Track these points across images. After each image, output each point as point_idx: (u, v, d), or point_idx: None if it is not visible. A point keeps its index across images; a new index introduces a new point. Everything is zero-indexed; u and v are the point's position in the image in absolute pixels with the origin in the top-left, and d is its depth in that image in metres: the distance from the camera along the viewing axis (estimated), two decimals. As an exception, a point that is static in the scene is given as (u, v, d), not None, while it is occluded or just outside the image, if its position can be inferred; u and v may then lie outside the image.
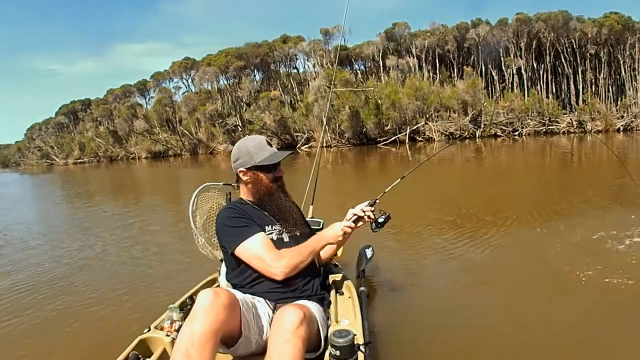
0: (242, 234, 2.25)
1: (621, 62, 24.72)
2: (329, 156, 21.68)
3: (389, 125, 26.81)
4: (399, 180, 2.72)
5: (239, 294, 2.06)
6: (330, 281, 2.76)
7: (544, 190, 8.33)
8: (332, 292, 2.58)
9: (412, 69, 29.33)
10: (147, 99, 37.68)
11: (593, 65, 25.85)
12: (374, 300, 3.36)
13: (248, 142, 2.38)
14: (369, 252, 3.59)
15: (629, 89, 24.46)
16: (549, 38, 26.06)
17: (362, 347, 1.94)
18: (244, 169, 2.34)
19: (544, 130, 24.53)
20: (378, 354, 2.58)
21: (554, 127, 24.43)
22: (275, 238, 2.32)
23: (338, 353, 1.85)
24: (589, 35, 25.23)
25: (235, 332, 1.96)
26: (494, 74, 27.86)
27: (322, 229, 3.13)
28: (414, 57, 29.60)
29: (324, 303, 2.39)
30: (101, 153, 36.87)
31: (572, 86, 26.07)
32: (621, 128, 23.09)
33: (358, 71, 32.37)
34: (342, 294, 2.63)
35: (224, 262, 2.55)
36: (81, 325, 3.39)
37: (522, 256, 4.33)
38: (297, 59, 33.63)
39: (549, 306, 3.17)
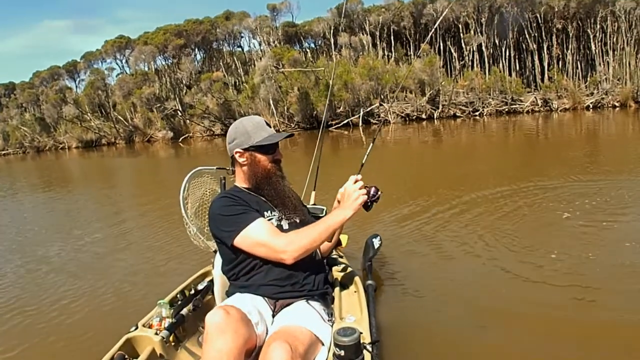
0: (240, 221, 2.12)
1: (591, 36, 22.92)
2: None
3: (341, 108, 24.59)
4: (371, 145, 2.36)
5: (243, 307, 1.93)
6: (334, 274, 2.62)
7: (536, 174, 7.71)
8: (336, 286, 2.46)
9: (366, 47, 27.11)
10: (77, 82, 34.03)
11: (560, 40, 24.03)
12: (381, 295, 3.25)
13: (245, 121, 2.30)
14: (376, 242, 3.44)
15: (600, 64, 22.64)
16: (512, 13, 24.17)
17: (368, 346, 1.84)
18: (241, 150, 2.24)
19: (507, 109, 22.70)
20: (386, 353, 2.43)
21: (517, 106, 22.59)
22: (274, 224, 2.20)
23: (342, 353, 1.73)
24: (556, 9, 23.42)
25: (252, 345, 1.88)
26: (453, 51, 25.95)
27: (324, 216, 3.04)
28: (367, 34, 27.35)
29: (327, 298, 2.29)
30: (27, 143, 33.16)
31: (536, 63, 24.23)
32: (590, 105, 21.36)
33: (307, 50, 30.03)
34: (347, 288, 2.52)
35: (218, 254, 2.41)
36: (62, 326, 3.30)
37: (540, 249, 4.00)
38: (241, 36, 30.86)
39: (567, 307, 2.98)
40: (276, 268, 2.13)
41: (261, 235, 2.09)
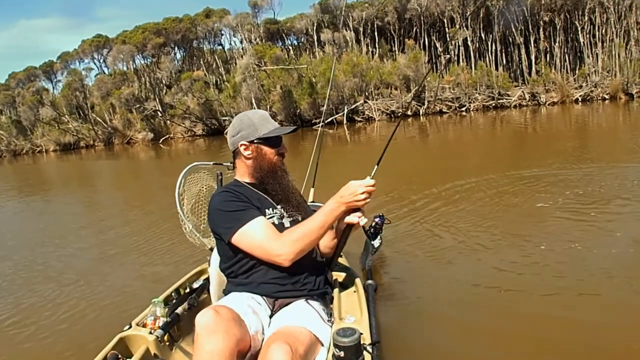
0: (239, 218, 2.06)
1: (579, 28, 22.35)
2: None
3: (325, 105, 23.93)
4: (376, 167, 2.15)
5: (236, 307, 1.86)
6: (334, 274, 2.52)
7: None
8: (336, 286, 2.40)
9: (349, 43, 26.48)
10: (54, 83, 33.21)
11: (547, 33, 23.46)
12: (382, 295, 3.20)
13: (251, 114, 2.26)
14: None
15: (588, 56, 22.08)
16: (497, 6, 23.63)
17: (368, 347, 1.81)
18: (246, 143, 2.18)
19: (494, 104, 22.14)
20: (386, 354, 2.37)
21: (504, 100, 22.02)
22: (276, 223, 2.14)
23: (342, 354, 1.68)
24: (542, 2, 22.90)
25: (246, 347, 1.82)
26: (438, 46, 25.35)
27: None
28: (351, 30, 26.71)
29: (327, 298, 2.24)
30: (3, 147, 32.13)
31: (523, 56, 23.64)
32: (579, 99, 20.81)
33: (290, 47, 29.35)
34: (347, 288, 2.49)
35: (214, 251, 2.41)
36: (55, 325, 3.28)
37: (532, 241, 4.02)
38: (222, 34, 30.23)
39: (577, 308, 2.93)
40: (277, 266, 2.07)
41: (258, 236, 2.03)
